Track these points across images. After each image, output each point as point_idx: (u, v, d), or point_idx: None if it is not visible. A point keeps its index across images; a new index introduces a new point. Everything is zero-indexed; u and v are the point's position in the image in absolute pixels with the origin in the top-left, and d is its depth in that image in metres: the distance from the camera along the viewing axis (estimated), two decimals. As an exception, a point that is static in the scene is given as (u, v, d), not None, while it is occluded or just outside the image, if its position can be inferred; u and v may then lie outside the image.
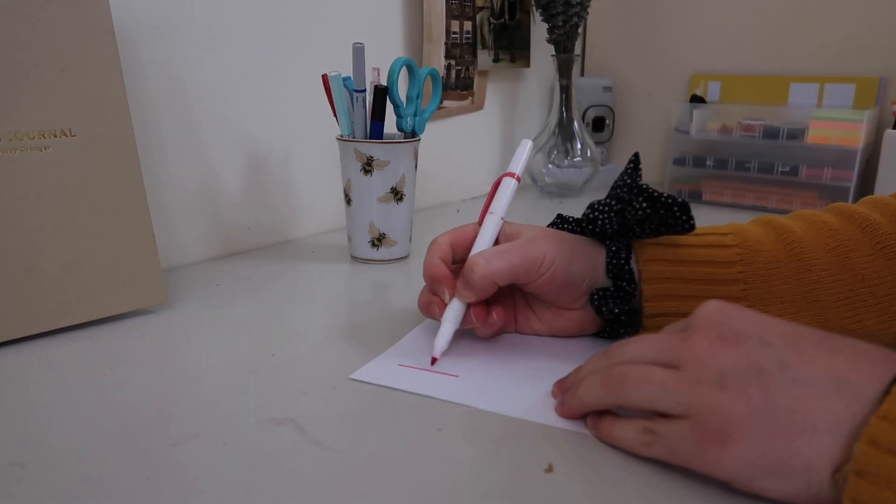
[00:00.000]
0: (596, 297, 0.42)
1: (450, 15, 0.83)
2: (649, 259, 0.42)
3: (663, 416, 0.30)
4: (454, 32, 0.84)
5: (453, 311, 0.41)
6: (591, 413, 0.34)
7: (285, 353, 0.43)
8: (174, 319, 0.49)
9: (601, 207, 0.43)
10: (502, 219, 0.44)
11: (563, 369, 0.40)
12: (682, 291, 0.41)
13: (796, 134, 0.88)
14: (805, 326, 0.30)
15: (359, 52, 0.56)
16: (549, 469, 0.30)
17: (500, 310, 0.43)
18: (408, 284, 0.58)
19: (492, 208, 0.44)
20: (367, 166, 0.59)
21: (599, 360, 0.34)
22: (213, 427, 0.34)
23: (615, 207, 0.42)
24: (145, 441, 0.32)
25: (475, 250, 0.43)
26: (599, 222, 0.43)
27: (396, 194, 0.61)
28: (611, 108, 1.13)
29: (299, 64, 0.68)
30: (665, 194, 0.41)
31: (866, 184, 0.90)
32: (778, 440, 0.26)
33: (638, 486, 0.29)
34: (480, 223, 0.44)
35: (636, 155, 0.43)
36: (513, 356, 0.42)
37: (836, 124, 0.85)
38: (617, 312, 0.41)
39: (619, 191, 0.42)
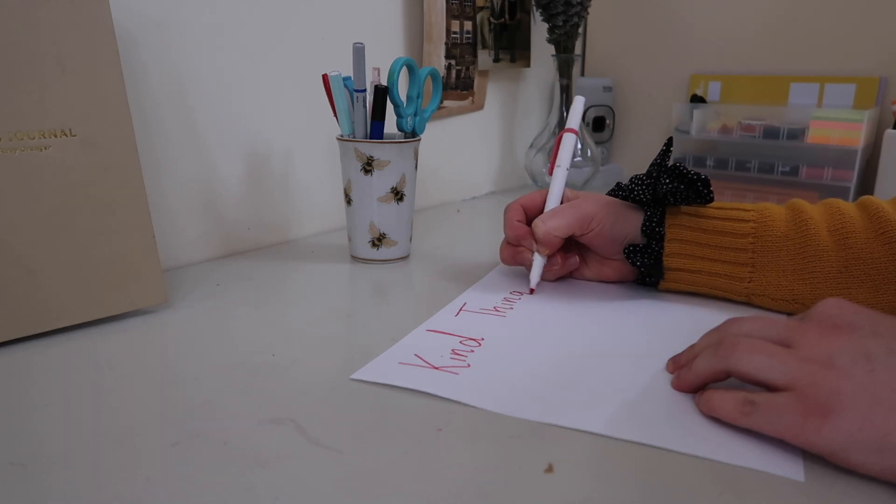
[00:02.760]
0: (627, 250, 0.52)
1: (450, 15, 0.83)
2: (675, 224, 0.51)
3: (766, 390, 0.32)
4: (454, 32, 0.84)
5: (538, 260, 0.54)
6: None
7: (285, 353, 0.43)
8: (174, 319, 0.49)
9: (637, 181, 0.53)
10: (566, 170, 0.55)
11: (566, 369, 0.40)
12: (697, 252, 0.51)
13: (796, 134, 0.88)
14: None
15: (359, 51, 0.56)
16: (549, 469, 0.30)
17: (563, 258, 0.55)
18: (408, 284, 0.58)
19: (558, 162, 0.56)
20: (368, 166, 0.59)
21: (712, 335, 0.38)
22: (213, 427, 0.34)
23: (647, 182, 0.52)
24: (145, 441, 0.32)
25: (549, 201, 0.55)
26: (636, 193, 0.53)
27: (397, 194, 0.61)
28: (611, 108, 1.13)
29: (300, 64, 0.68)
30: (690, 171, 0.50)
31: (866, 184, 0.90)
32: (879, 416, 0.28)
33: (638, 486, 0.29)
34: (550, 173, 0.56)
35: (670, 139, 0.54)
36: (515, 353, 0.42)
37: (836, 124, 0.85)
38: (641, 264, 0.52)
39: (651, 168, 0.52)
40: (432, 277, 0.60)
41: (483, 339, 0.44)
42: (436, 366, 0.40)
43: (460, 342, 0.44)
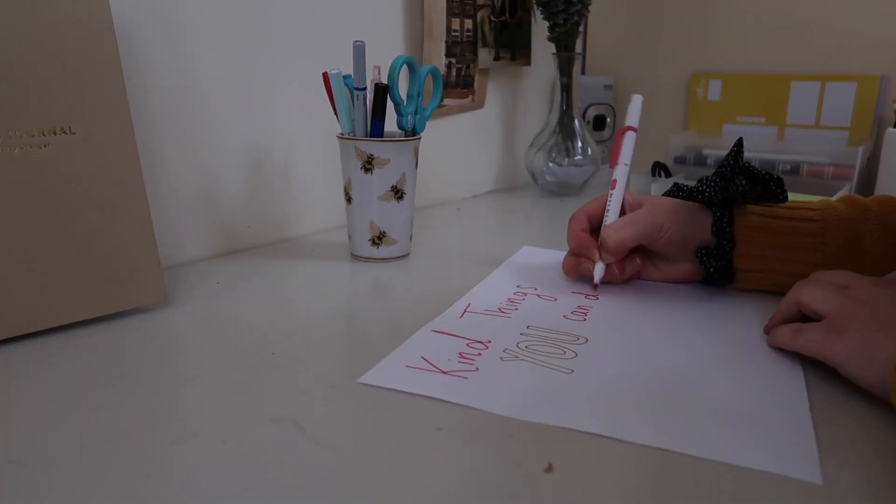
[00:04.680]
0: (700, 252, 0.53)
1: (450, 13, 0.83)
2: (745, 226, 0.52)
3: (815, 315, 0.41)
4: (455, 30, 0.84)
5: (599, 267, 0.54)
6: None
7: (285, 352, 0.43)
8: (174, 318, 0.48)
9: (708, 182, 0.53)
10: (626, 165, 0.57)
11: (579, 372, 0.40)
12: (768, 253, 0.52)
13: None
14: None
15: (359, 50, 0.56)
16: (549, 469, 0.30)
17: (631, 263, 0.55)
18: (408, 283, 0.58)
19: (622, 160, 0.57)
20: (368, 164, 0.59)
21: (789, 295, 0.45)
22: (213, 427, 0.34)
23: (720, 184, 0.52)
24: (145, 440, 0.32)
25: (612, 203, 0.55)
26: (707, 194, 0.53)
27: (397, 193, 0.61)
28: (611, 107, 1.13)
29: (300, 62, 0.68)
30: (763, 172, 0.51)
31: (866, 183, 0.90)
32: (874, 336, 0.36)
33: (638, 486, 0.29)
34: (612, 166, 0.57)
35: (740, 139, 0.53)
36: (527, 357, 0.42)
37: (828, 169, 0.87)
38: (716, 266, 0.53)
39: (723, 170, 0.52)
40: (432, 276, 0.60)
41: (490, 342, 0.44)
42: (444, 370, 0.40)
43: (467, 345, 0.44)
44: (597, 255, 0.54)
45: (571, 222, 0.56)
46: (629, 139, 0.57)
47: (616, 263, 0.54)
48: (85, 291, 0.45)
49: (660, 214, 0.53)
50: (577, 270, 0.56)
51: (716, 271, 0.53)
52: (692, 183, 0.56)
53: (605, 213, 0.55)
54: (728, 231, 0.52)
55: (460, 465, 0.31)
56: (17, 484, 0.29)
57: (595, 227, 0.56)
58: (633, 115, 0.58)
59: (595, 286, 0.54)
